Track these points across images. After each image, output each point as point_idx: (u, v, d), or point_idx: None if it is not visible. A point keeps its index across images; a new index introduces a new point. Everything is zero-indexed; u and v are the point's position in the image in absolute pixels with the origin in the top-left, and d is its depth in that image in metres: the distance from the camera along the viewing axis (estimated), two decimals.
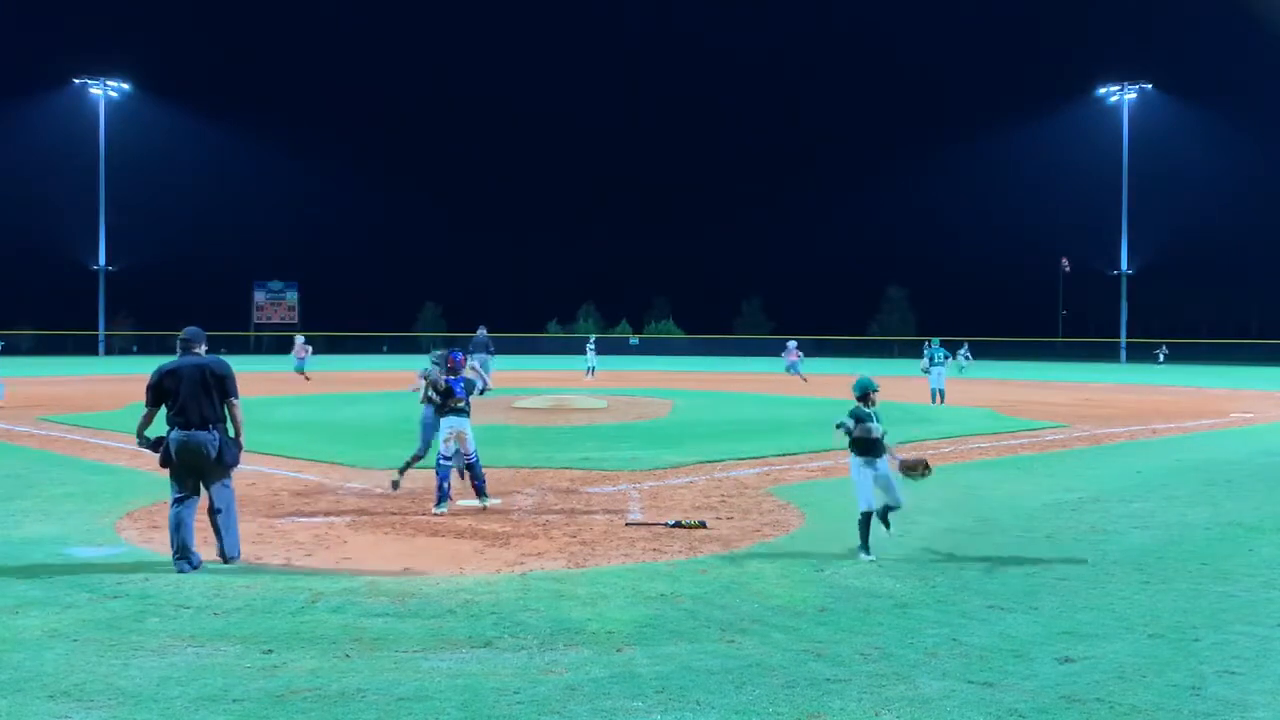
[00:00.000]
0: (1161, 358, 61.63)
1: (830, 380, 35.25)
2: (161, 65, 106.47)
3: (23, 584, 7.06)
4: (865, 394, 8.33)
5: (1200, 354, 63.59)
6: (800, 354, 37.92)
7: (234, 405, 7.82)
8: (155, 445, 7.78)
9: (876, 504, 8.16)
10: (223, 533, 7.80)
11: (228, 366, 7.88)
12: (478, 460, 10.40)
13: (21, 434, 17.42)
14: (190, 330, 8.02)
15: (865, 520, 8.09)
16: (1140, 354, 68.15)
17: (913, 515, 9.77)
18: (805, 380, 35.53)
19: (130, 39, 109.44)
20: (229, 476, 7.94)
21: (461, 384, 10.43)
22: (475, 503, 10.37)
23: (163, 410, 7.77)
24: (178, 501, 7.69)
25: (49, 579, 7.21)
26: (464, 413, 10.35)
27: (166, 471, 7.82)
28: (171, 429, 7.69)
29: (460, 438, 10.26)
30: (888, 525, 8.40)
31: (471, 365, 11.52)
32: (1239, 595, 7.01)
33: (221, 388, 7.74)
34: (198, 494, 7.80)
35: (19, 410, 22.04)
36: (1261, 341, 67.78)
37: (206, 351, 8.01)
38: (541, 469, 13.09)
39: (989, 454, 15.40)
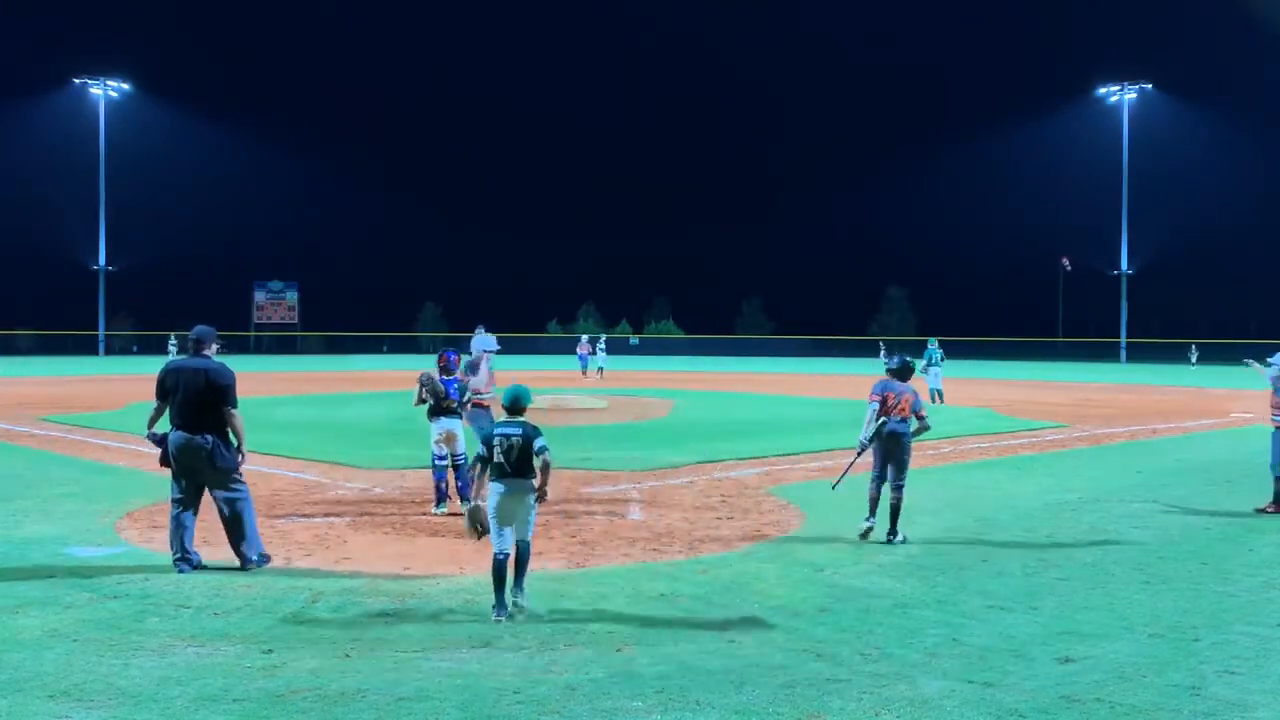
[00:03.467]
0: (1194, 359, 61.57)
1: (829, 380, 35.25)
2: (161, 65, 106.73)
3: (23, 584, 7.05)
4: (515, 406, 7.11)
5: (1200, 354, 63.52)
6: (589, 350, 40.01)
7: (232, 415, 7.66)
8: (160, 442, 7.75)
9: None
10: (236, 538, 7.64)
11: (230, 376, 7.72)
12: (465, 464, 10.23)
13: (21, 434, 17.41)
14: (200, 330, 7.87)
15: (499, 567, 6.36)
16: (1141, 354, 68.14)
17: (913, 515, 9.77)
18: (595, 375, 38.25)
19: (130, 39, 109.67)
20: (233, 480, 7.75)
21: (455, 385, 10.30)
22: (457, 505, 10.05)
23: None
24: (177, 502, 7.65)
25: (49, 579, 7.20)
26: (456, 414, 10.28)
27: (167, 470, 7.80)
28: (172, 429, 7.67)
29: (450, 439, 10.21)
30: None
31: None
32: (1239, 595, 7.01)
33: (221, 397, 7.60)
34: (197, 496, 7.74)
35: (19, 410, 22.06)
36: (1261, 342, 67.72)
37: (219, 351, 7.93)
38: None
39: (988, 454, 15.40)
